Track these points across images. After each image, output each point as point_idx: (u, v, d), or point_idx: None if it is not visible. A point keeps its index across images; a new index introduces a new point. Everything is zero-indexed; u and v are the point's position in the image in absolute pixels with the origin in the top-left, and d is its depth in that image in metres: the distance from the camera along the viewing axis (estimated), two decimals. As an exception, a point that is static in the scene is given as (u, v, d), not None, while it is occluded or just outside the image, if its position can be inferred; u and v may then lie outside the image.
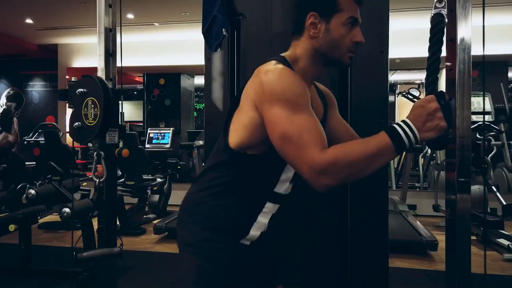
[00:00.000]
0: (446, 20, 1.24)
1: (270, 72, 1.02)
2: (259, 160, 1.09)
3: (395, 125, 0.98)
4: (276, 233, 1.05)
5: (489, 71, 5.91)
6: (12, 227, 2.96)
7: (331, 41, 1.09)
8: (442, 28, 1.21)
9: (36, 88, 8.44)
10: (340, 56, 1.11)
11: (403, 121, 0.98)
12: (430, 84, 1.14)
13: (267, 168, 1.12)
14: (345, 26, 1.08)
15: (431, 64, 1.16)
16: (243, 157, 1.09)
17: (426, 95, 1.04)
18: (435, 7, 1.23)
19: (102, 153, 1.82)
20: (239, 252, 1.15)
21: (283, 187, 1.16)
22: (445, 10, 1.23)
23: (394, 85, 7.83)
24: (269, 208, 1.16)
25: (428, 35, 1.25)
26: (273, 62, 1.08)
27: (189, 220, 1.17)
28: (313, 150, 0.95)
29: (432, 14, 1.22)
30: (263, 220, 1.16)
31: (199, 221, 1.14)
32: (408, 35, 5.42)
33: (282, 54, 1.14)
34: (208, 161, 1.22)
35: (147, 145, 5.30)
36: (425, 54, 1.25)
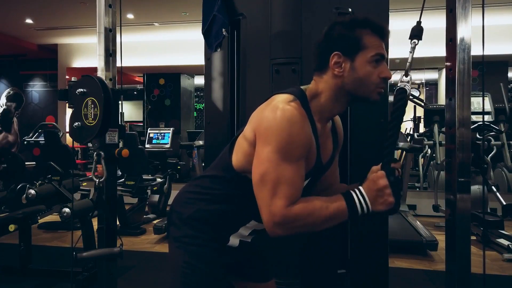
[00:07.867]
0: (410, 93, 1.14)
1: (279, 110, 1.00)
2: None
3: (352, 193, 1.02)
4: (266, 235, 1.06)
5: (489, 71, 5.91)
6: (12, 227, 2.97)
7: (357, 79, 1.06)
8: (403, 104, 1.11)
9: (36, 88, 8.44)
10: (367, 93, 1.08)
11: (359, 191, 1.02)
12: (386, 155, 1.06)
13: None
14: (371, 63, 1.05)
15: (389, 137, 1.08)
16: (243, 179, 1.10)
17: (381, 167, 1.06)
18: (401, 81, 1.13)
19: (102, 153, 1.83)
20: (223, 250, 1.19)
21: None
22: (409, 85, 1.14)
23: (394, 85, 7.82)
24: (253, 224, 1.19)
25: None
26: (289, 97, 1.05)
27: (177, 217, 1.22)
28: (282, 202, 0.98)
29: (397, 88, 1.12)
30: (243, 232, 1.20)
31: (185, 219, 1.18)
32: (408, 35, 5.40)
33: (303, 87, 1.11)
34: (210, 168, 1.23)
35: (147, 145, 5.29)
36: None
